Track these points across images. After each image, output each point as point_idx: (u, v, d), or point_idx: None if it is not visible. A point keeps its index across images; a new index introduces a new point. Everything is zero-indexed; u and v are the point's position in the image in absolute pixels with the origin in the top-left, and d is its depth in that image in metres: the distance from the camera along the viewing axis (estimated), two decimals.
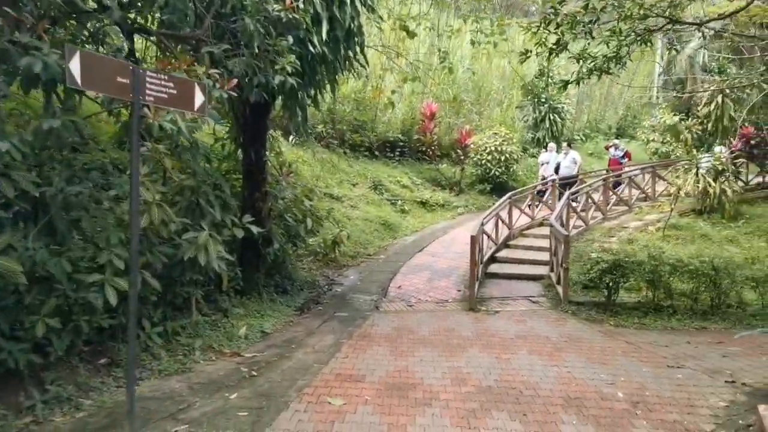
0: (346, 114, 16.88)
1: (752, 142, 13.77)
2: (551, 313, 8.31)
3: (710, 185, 11.92)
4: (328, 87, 7.79)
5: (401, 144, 18.34)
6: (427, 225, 14.85)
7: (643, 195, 14.33)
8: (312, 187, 9.51)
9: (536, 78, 20.94)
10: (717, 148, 19.35)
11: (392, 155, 18.04)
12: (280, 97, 7.09)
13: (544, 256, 10.73)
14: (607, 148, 18.19)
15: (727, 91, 12.46)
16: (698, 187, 12.04)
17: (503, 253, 11.42)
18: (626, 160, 16.37)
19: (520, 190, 13.76)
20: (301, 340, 6.74)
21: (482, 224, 10.03)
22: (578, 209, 12.36)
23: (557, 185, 14.13)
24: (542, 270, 10.39)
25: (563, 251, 8.66)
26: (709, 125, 12.84)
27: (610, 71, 7.09)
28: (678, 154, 20.95)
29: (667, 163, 15.84)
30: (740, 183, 13.20)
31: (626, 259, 7.85)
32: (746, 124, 13.56)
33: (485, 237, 10.64)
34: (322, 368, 5.62)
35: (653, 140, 21.87)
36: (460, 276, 10.41)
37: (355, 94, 16.93)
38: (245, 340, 6.56)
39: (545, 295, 9.33)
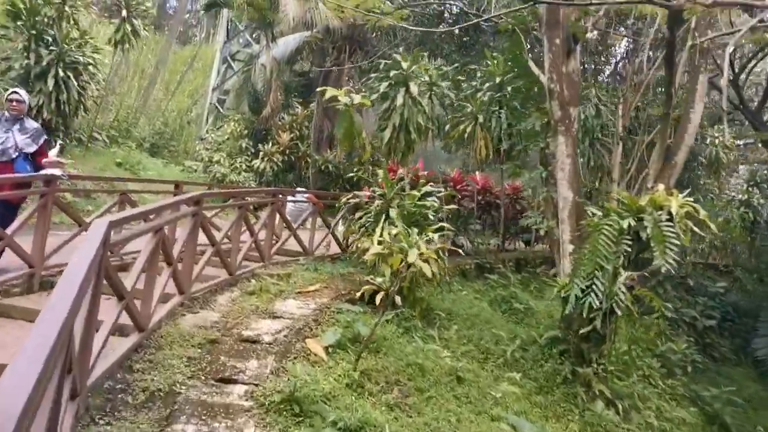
0: None
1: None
2: None
3: (408, 252, 5.72)
4: None
5: None
6: None
7: (256, 252, 6.87)
8: None
9: None
10: (300, 194, 14.28)
11: None
12: None
13: None
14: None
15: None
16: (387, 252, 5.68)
17: None
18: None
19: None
20: None
21: None
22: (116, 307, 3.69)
23: None
24: None
25: None
26: (384, 143, 7.04)
27: None
28: (250, 183, 14.92)
29: (249, 192, 9.12)
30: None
31: None
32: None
33: None
34: None
35: (218, 161, 15.25)
36: None
37: None
38: None
39: None
